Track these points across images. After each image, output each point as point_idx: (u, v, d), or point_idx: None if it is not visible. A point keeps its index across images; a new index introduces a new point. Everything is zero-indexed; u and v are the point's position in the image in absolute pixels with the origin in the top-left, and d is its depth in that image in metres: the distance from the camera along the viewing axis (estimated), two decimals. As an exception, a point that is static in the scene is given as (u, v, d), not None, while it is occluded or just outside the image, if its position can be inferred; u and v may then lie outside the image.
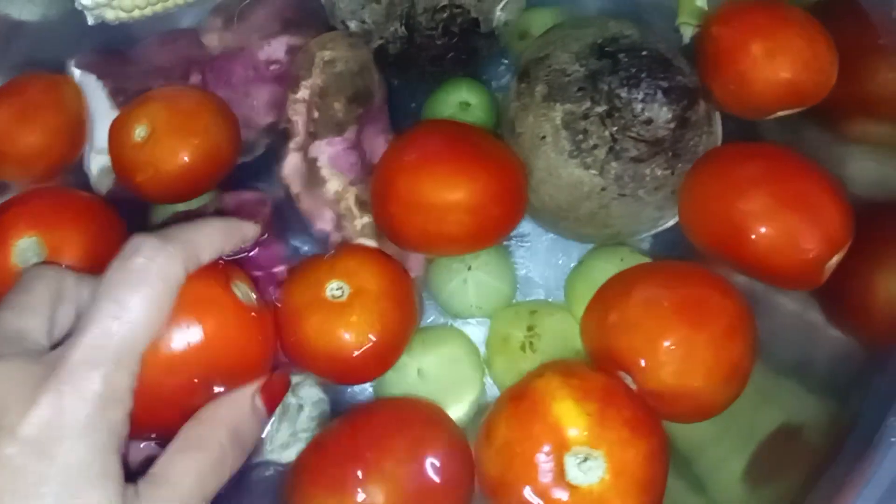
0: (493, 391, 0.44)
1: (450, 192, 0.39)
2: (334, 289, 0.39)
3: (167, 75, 0.46)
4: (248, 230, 0.35)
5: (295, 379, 0.42)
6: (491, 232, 0.41)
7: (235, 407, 0.32)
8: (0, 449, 0.26)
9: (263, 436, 0.41)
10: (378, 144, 0.45)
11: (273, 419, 0.40)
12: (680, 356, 0.35)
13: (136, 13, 0.46)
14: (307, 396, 0.43)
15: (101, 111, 0.45)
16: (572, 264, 0.47)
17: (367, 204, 0.42)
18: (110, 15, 0.45)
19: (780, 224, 0.38)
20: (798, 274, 0.38)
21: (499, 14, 0.45)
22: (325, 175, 0.43)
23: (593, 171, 0.40)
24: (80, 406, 0.27)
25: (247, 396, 0.33)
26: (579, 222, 0.42)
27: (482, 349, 0.45)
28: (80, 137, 0.46)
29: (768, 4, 0.44)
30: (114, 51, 0.47)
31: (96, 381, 0.27)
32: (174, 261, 0.30)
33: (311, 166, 0.43)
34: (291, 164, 0.44)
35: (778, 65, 0.41)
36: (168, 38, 0.48)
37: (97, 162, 0.45)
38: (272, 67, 0.46)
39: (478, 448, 0.36)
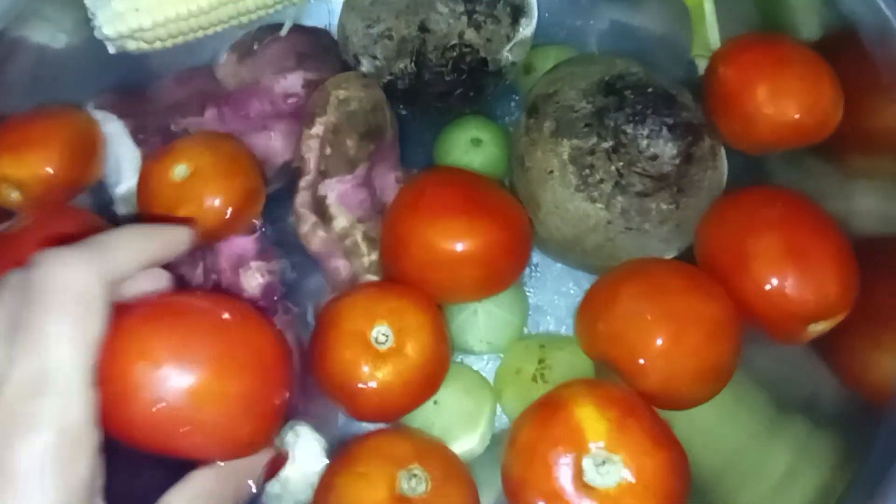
0: (503, 421, 0.45)
1: (464, 249, 0.40)
2: (380, 334, 0.39)
3: (184, 111, 0.47)
4: (179, 233, 0.30)
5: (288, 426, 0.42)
6: (501, 281, 0.43)
7: (247, 475, 0.31)
8: None
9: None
10: (388, 182, 0.46)
11: None
12: (663, 366, 0.37)
13: (158, 45, 0.47)
14: (304, 444, 0.42)
15: (124, 149, 0.46)
16: (582, 293, 0.47)
17: (375, 241, 0.43)
18: (132, 46, 0.46)
19: (778, 271, 0.39)
20: (781, 327, 0.39)
21: (506, 55, 0.47)
22: (334, 212, 0.44)
23: (599, 205, 0.41)
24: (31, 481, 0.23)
25: (258, 467, 0.31)
26: (586, 254, 0.43)
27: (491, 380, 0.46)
28: (93, 167, 0.46)
29: (772, 43, 0.45)
30: (131, 90, 0.49)
31: (47, 420, 0.23)
32: (77, 267, 0.25)
33: (320, 202, 0.44)
34: (301, 202, 0.45)
35: (783, 107, 0.42)
36: (184, 75, 0.49)
37: (120, 193, 0.46)
38: (290, 101, 0.47)
39: (504, 452, 0.37)
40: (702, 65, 0.49)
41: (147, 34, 0.45)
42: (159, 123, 0.46)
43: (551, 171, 0.42)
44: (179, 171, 0.41)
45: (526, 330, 0.47)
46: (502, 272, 0.42)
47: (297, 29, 0.50)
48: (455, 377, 0.44)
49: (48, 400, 0.23)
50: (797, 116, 0.42)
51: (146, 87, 0.49)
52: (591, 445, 0.33)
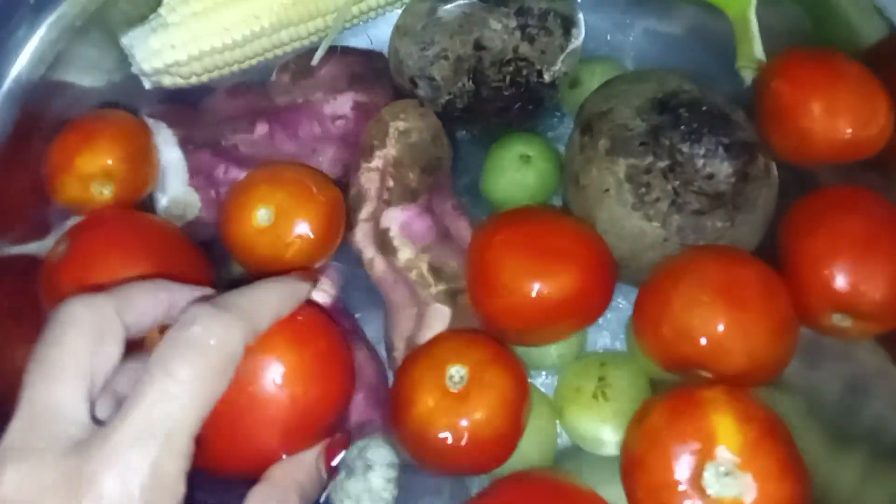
0: (563, 438, 0.46)
1: (551, 291, 0.40)
2: (455, 379, 0.39)
3: (235, 126, 0.47)
4: (303, 290, 0.33)
5: (361, 442, 0.43)
6: (590, 316, 0.44)
7: (304, 469, 0.32)
8: None
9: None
10: (446, 208, 0.46)
11: (337, 480, 0.42)
12: (741, 339, 0.38)
13: (194, 80, 0.47)
14: (376, 458, 0.43)
15: (172, 159, 0.47)
16: (632, 307, 0.48)
17: (441, 271, 0.44)
18: (167, 81, 0.46)
19: (829, 253, 0.40)
20: (807, 305, 0.41)
21: (560, 66, 0.47)
22: (397, 244, 0.44)
23: (656, 223, 0.42)
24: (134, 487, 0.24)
25: (313, 457, 0.33)
26: (640, 271, 0.44)
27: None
28: (149, 175, 0.47)
29: (826, 59, 0.45)
30: (183, 101, 0.49)
31: (144, 469, 0.25)
32: (232, 331, 0.28)
33: (383, 236, 0.44)
34: (363, 232, 0.45)
35: (838, 122, 0.43)
36: (236, 90, 0.49)
37: (164, 204, 0.47)
38: (337, 123, 0.47)
39: (627, 429, 0.38)
40: (747, 76, 0.49)
41: (183, 69, 0.46)
42: (209, 136, 0.47)
43: (607, 190, 0.43)
44: (262, 216, 0.42)
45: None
46: (591, 307, 0.43)
47: (351, 51, 0.50)
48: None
49: (156, 447, 0.25)
50: (850, 132, 0.42)
51: (198, 100, 0.50)
52: (719, 453, 0.34)
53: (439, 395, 0.39)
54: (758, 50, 0.48)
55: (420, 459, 0.40)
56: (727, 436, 0.34)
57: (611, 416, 0.43)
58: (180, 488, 0.26)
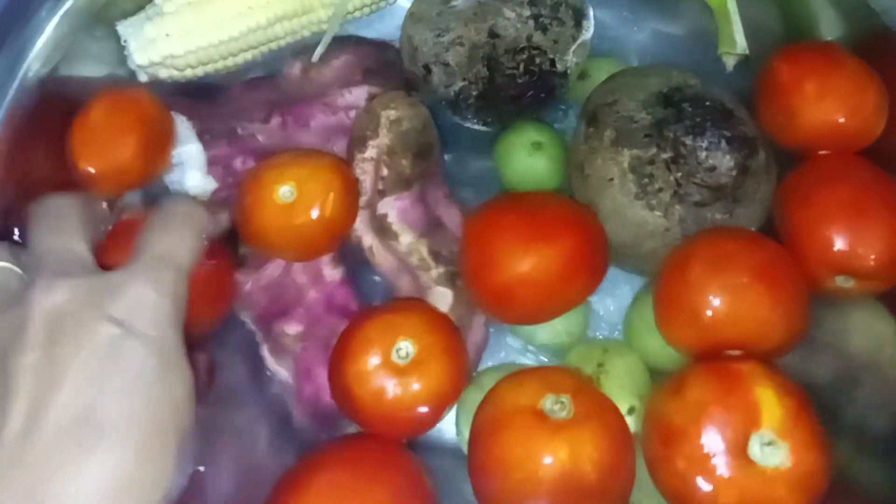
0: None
1: (556, 267, 0.42)
2: (400, 350, 0.40)
3: (250, 117, 0.48)
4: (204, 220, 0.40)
5: None
6: (585, 293, 0.45)
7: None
8: (101, 329, 0.30)
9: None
10: (438, 198, 0.48)
11: None
12: (783, 317, 0.40)
13: (189, 72, 0.47)
14: None
15: (190, 149, 0.47)
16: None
17: (439, 254, 0.45)
18: (163, 74, 0.47)
19: (827, 216, 0.42)
20: (810, 267, 0.42)
21: (571, 56, 0.48)
22: (397, 230, 0.45)
23: (658, 213, 0.43)
24: (160, 294, 0.32)
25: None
26: (641, 259, 0.45)
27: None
28: (164, 153, 0.46)
29: (827, 49, 0.47)
30: (199, 92, 0.49)
31: (169, 278, 0.33)
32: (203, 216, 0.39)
33: (381, 222, 0.45)
34: (361, 221, 0.46)
35: (827, 104, 0.44)
36: (251, 82, 0.50)
37: (184, 191, 0.47)
38: (351, 114, 0.48)
39: (660, 401, 0.39)
40: (729, 62, 0.51)
41: (178, 61, 0.46)
42: (226, 127, 0.48)
43: (611, 179, 0.44)
44: (284, 192, 0.43)
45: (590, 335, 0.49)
46: (585, 282, 0.44)
47: (363, 42, 0.51)
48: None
49: (169, 271, 0.34)
50: (840, 116, 0.44)
51: (214, 92, 0.50)
52: (764, 424, 0.36)
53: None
54: (738, 36, 0.50)
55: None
56: (770, 407, 0.36)
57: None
58: (184, 309, 0.34)
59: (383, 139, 0.45)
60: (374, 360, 0.40)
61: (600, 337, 0.50)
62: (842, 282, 0.43)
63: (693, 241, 0.43)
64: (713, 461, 0.36)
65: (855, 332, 0.46)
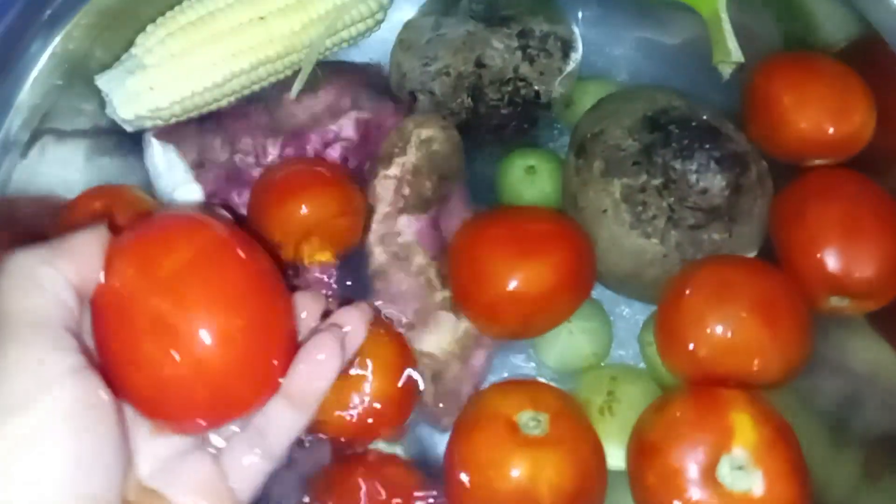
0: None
1: (543, 282, 0.42)
2: None
3: (244, 147, 0.48)
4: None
5: None
6: (572, 308, 0.45)
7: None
8: None
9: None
10: (453, 224, 0.47)
11: None
12: (777, 351, 0.40)
13: (173, 121, 0.47)
14: None
15: (184, 182, 0.47)
16: (638, 315, 0.49)
17: (446, 278, 0.45)
18: (148, 124, 0.47)
19: (821, 236, 0.42)
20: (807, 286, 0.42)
21: (557, 87, 0.49)
22: (410, 250, 0.45)
23: (654, 240, 0.43)
24: None
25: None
26: (645, 287, 0.45)
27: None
28: None
29: (806, 59, 0.47)
30: (189, 122, 0.48)
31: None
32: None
33: (394, 240, 0.45)
34: (376, 238, 0.46)
35: (813, 114, 0.44)
36: (241, 111, 0.49)
37: None
38: (343, 136, 0.48)
39: (644, 417, 0.40)
40: (725, 71, 0.50)
41: (163, 112, 0.46)
42: (219, 158, 0.48)
43: (605, 210, 0.44)
44: (304, 210, 0.43)
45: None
46: (572, 296, 0.44)
47: (349, 67, 0.51)
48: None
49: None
50: (821, 124, 0.44)
51: (203, 121, 0.49)
52: (735, 448, 0.36)
53: None
54: (732, 45, 0.50)
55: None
56: (744, 433, 0.36)
57: (615, 433, 0.43)
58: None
59: (410, 157, 0.45)
60: None
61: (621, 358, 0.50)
62: (837, 302, 0.43)
63: (692, 270, 0.43)
64: (682, 479, 0.36)
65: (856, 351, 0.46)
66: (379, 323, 0.43)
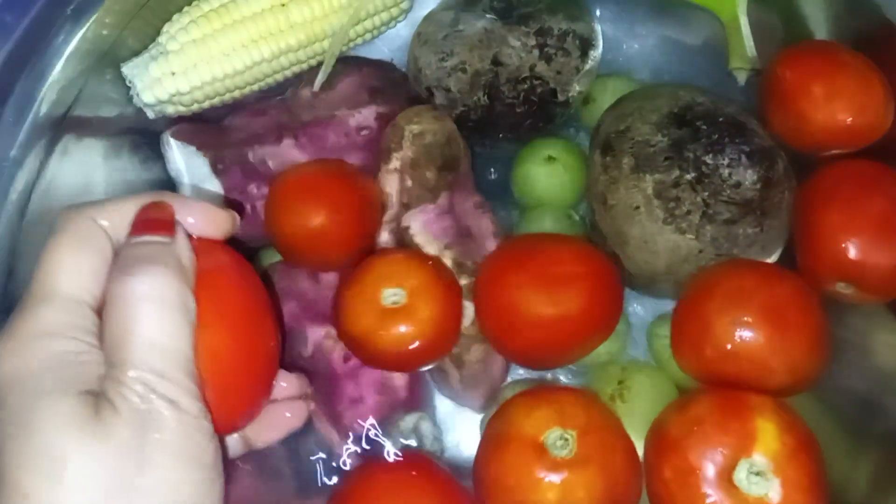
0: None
1: (567, 309, 0.41)
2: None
3: (262, 142, 0.48)
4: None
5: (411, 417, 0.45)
6: (595, 343, 0.44)
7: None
8: None
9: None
10: (468, 207, 0.47)
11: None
12: (784, 357, 0.39)
13: (196, 107, 0.47)
14: (426, 432, 0.45)
15: (205, 181, 0.47)
16: (650, 316, 0.49)
17: (464, 265, 0.44)
18: (170, 110, 0.47)
19: (840, 223, 0.42)
20: (814, 268, 0.43)
21: (575, 86, 0.48)
22: (420, 241, 0.45)
23: (689, 236, 0.42)
24: None
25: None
26: (679, 284, 0.44)
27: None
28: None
29: (829, 50, 0.47)
30: (208, 121, 0.49)
31: None
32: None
33: (404, 233, 0.45)
34: (385, 238, 0.46)
35: (836, 106, 0.44)
36: (259, 108, 0.50)
37: None
38: (363, 133, 0.48)
39: (666, 412, 0.40)
40: (741, 77, 0.51)
41: (185, 98, 0.46)
42: (237, 155, 0.47)
43: (637, 207, 0.43)
44: (315, 221, 0.43)
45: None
46: (602, 327, 0.44)
47: (367, 63, 0.51)
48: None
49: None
50: (849, 116, 0.44)
51: (221, 118, 0.50)
52: (756, 454, 0.35)
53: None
54: (750, 49, 0.50)
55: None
56: (767, 440, 0.36)
57: (626, 416, 0.42)
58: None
59: (406, 151, 0.45)
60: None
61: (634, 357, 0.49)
62: (842, 287, 0.43)
63: (708, 273, 0.42)
64: (698, 478, 0.36)
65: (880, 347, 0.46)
66: (424, 255, 0.44)
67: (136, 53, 0.46)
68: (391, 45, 0.53)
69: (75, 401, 0.26)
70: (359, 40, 0.50)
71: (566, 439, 0.37)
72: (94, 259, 0.29)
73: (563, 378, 0.49)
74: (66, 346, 0.28)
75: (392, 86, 0.49)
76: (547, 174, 0.50)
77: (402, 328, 0.41)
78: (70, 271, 0.29)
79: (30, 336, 0.28)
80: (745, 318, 0.39)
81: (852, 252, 0.41)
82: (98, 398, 0.27)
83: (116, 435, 0.26)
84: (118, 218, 0.31)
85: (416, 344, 0.41)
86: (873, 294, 0.43)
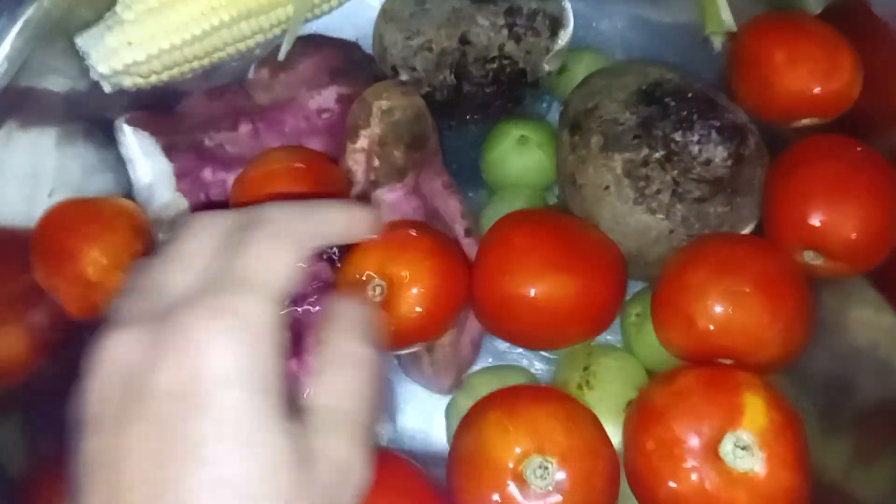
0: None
1: (563, 301, 0.40)
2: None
3: (217, 127, 0.46)
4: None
5: None
6: (603, 323, 0.43)
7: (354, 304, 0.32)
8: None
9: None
10: (436, 188, 0.46)
11: None
12: (778, 331, 0.38)
13: (154, 78, 0.46)
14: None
15: (158, 167, 0.45)
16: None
17: None
18: (128, 82, 0.45)
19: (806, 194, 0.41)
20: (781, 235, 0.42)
21: (544, 66, 0.47)
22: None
23: (660, 216, 0.42)
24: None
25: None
26: (648, 266, 0.43)
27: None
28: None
29: (794, 18, 0.47)
30: (161, 106, 0.48)
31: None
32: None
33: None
34: None
35: (798, 72, 0.43)
36: (215, 91, 0.48)
37: (156, 210, 0.45)
38: (324, 116, 0.46)
39: (650, 387, 0.40)
40: (717, 42, 0.50)
41: (142, 68, 0.44)
42: (191, 139, 0.46)
43: (607, 187, 0.42)
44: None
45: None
46: (603, 315, 0.43)
47: (329, 42, 0.49)
48: (509, 379, 0.45)
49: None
50: (812, 82, 0.43)
51: (176, 104, 0.48)
52: (742, 428, 0.35)
53: None
54: (725, 14, 0.49)
55: None
56: (754, 415, 0.36)
57: (595, 403, 0.42)
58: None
59: (374, 129, 0.43)
60: None
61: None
62: (810, 258, 0.42)
63: (695, 245, 0.41)
64: (682, 448, 0.35)
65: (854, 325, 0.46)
66: (425, 229, 0.42)
67: (90, 25, 0.44)
68: (356, 21, 0.51)
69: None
70: (325, 6, 0.49)
71: (546, 468, 0.36)
72: None
73: (538, 364, 0.48)
74: None
75: (354, 66, 0.48)
76: (520, 155, 0.48)
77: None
78: None
79: None
80: (740, 289, 0.38)
81: (812, 217, 0.41)
82: None
83: None
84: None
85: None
86: (843, 263, 0.42)
